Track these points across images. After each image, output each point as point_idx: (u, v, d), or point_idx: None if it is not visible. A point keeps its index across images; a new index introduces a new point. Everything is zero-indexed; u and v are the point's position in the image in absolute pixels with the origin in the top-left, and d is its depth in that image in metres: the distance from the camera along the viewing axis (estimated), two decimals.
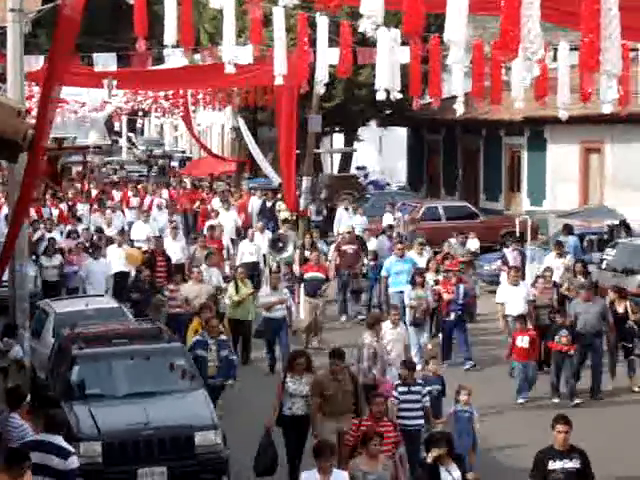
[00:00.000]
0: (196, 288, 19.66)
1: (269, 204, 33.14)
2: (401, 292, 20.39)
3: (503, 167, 37.15)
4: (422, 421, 13.36)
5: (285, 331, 19.36)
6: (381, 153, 51.52)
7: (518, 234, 26.45)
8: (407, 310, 19.37)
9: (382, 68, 16.13)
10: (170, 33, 15.53)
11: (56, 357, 15.25)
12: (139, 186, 37.72)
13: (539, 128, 34.21)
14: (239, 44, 17.99)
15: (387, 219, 29.28)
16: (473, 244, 26.24)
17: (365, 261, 23.70)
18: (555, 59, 18.09)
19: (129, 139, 69.22)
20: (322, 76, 16.81)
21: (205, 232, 26.43)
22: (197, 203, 34.06)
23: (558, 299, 19.98)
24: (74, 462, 10.19)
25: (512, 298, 18.85)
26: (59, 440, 10.25)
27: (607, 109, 14.83)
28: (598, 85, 13.58)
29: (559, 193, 33.87)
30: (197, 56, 30.34)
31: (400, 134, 45.97)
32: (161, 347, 14.77)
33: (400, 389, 13.42)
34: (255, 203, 33.38)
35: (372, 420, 11.95)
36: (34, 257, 23.22)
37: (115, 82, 26.77)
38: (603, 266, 23.16)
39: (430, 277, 20.41)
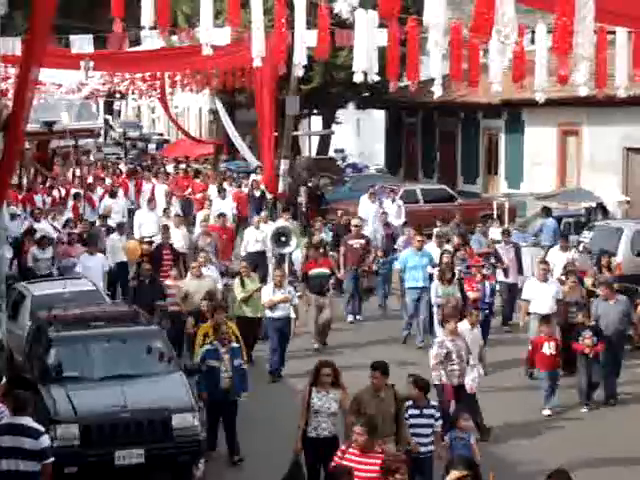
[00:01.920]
0: (195, 283, 18.55)
1: (257, 193, 32.32)
2: (418, 288, 19.67)
3: (481, 150, 37.21)
4: (433, 447, 12.21)
5: (288, 331, 18.34)
6: (359, 136, 51.54)
7: (496, 216, 26.39)
8: (435, 309, 18.38)
9: (360, 50, 16.11)
10: (147, 14, 15.45)
11: (33, 340, 15.20)
12: (130, 166, 36.93)
13: (516, 111, 34.23)
14: (217, 26, 17.91)
15: (387, 205, 28.51)
16: (496, 233, 23.61)
17: (371, 258, 22.46)
18: (533, 42, 18.09)
19: (106, 121, 68.93)
20: (300, 58, 16.73)
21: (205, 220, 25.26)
22: (188, 190, 33.41)
23: (584, 296, 18.24)
24: (45, 441, 10.22)
25: (540, 295, 17.63)
26: (28, 421, 10.27)
27: (584, 92, 14.86)
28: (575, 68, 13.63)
29: (536, 176, 33.94)
30: (174, 38, 30.26)
31: (378, 117, 45.97)
32: (138, 330, 14.79)
33: (411, 411, 12.21)
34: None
35: (359, 451, 10.39)
36: (11, 241, 22.92)
37: (92, 64, 26.64)
38: (580, 248, 23.23)
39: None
